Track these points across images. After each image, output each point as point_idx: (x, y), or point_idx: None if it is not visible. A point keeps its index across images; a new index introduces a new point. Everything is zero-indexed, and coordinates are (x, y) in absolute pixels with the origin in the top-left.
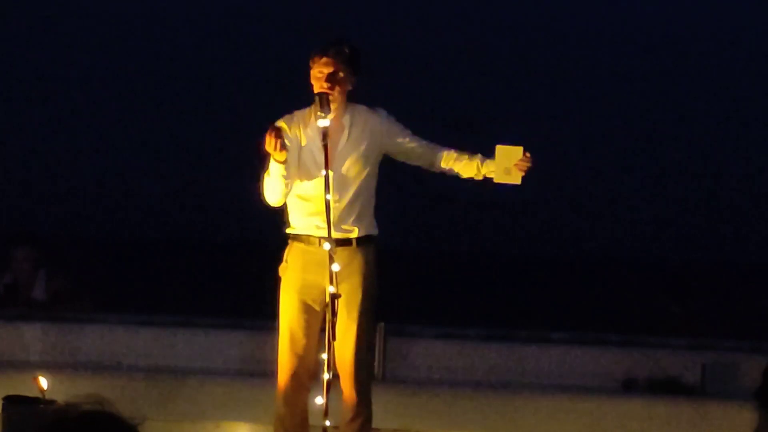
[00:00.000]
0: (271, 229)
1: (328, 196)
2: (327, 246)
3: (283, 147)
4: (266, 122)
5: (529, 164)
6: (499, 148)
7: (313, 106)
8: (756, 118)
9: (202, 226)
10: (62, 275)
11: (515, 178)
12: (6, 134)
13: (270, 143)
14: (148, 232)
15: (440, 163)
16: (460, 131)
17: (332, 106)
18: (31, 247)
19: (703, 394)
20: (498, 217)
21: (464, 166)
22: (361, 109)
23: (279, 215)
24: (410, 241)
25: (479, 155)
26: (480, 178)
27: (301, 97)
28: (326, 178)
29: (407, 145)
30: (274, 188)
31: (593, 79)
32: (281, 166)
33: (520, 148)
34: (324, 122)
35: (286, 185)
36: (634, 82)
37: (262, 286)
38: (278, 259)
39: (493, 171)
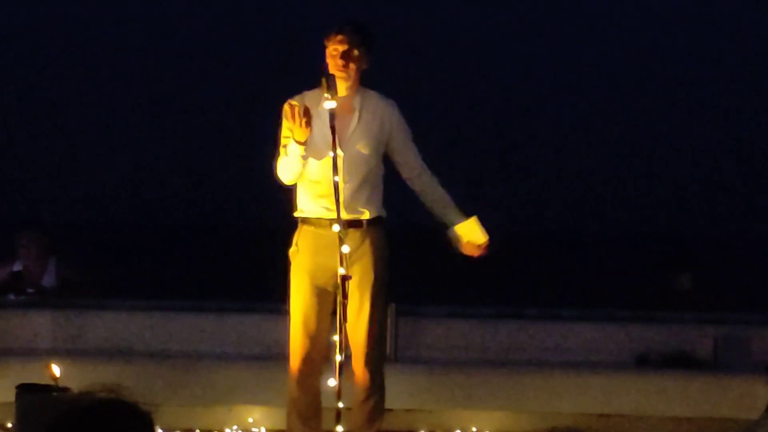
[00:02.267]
0: (278, 212)
1: (337, 178)
2: (336, 228)
3: (308, 124)
4: (279, 104)
5: (477, 254)
6: (471, 222)
7: (336, 89)
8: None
9: (210, 211)
10: (72, 262)
11: (463, 249)
12: (17, 121)
13: (296, 120)
14: (157, 218)
15: (421, 185)
16: None
17: (346, 84)
18: (37, 234)
19: (716, 368)
20: (507, 194)
21: (437, 205)
22: (373, 95)
23: (287, 195)
24: (420, 220)
25: (456, 209)
26: (443, 225)
27: (313, 79)
28: (334, 159)
29: (402, 149)
30: (291, 168)
31: (607, 66)
32: (301, 147)
33: (484, 239)
34: (330, 104)
35: (303, 165)
36: (639, 75)
37: (271, 270)
38: (286, 243)
39: (455, 232)
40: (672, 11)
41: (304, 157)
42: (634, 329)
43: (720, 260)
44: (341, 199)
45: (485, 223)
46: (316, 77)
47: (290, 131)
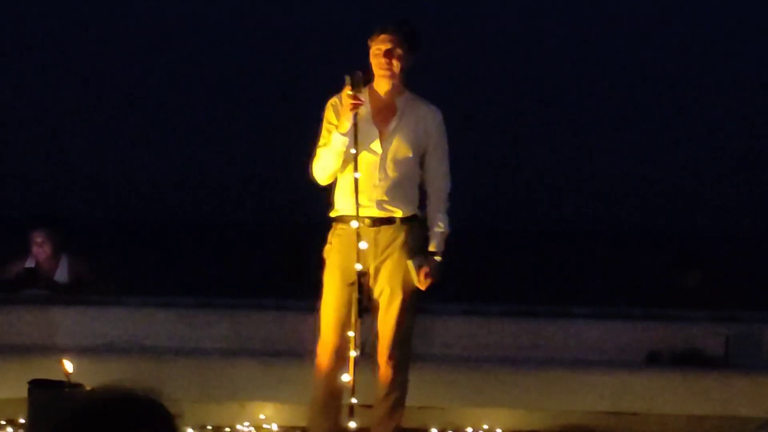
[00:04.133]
0: (289, 212)
1: (357, 175)
2: (354, 224)
3: (356, 109)
4: (322, 104)
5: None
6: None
7: (369, 87)
8: None
9: (223, 209)
10: (85, 258)
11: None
12: (32, 118)
13: (349, 105)
14: (171, 215)
15: (429, 200)
16: None
17: (389, 83)
18: (49, 230)
19: (727, 366)
20: (519, 193)
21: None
22: (418, 99)
23: (325, 195)
24: None
25: (435, 242)
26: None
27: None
28: (355, 156)
29: (430, 158)
30: (328, 165)
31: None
32: (345, 139)
33: (417, 284)
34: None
35: (341, 163)
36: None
37: (284, 268)
38: (297, 242)
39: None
40: (680, 10)
41: (344, 153)
42: (645, 327)
43: (731, 257)
44: (375, 196)
45: (491, 224)
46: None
47: (335, 124)
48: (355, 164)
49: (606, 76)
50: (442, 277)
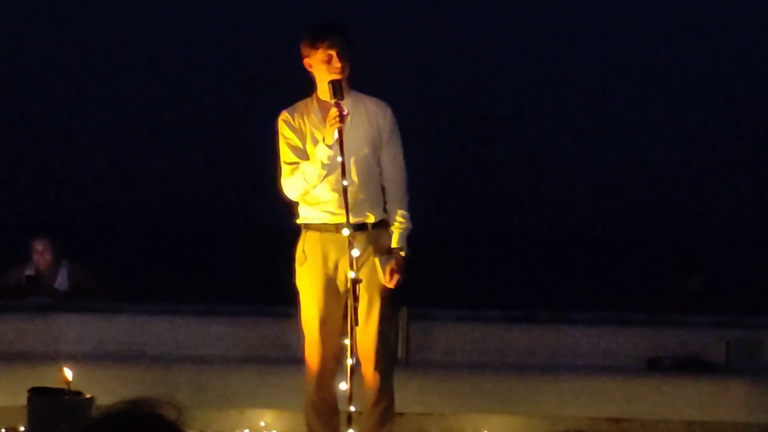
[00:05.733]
0: (285, 217)
1: (345, 182)
2: (346, 232)
3: (343, 122)
4: (276, 113)
5: (388, 279)
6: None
7: (314, 95)
8: None
9: (222, 215)
10: (85, 266)
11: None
12: (30, 127)
13: (335, 117)
14: (169, 222)
15: (387, 203)
16: None
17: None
18: (49, 239)
19: (728, 371)
20: (519, 199)
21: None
22: (365, 98)
23: (288, 206)
24: (431, 224)
25: (396, 239)
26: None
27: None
28: (342, 164)
29: (385, 157)
30: (312, 177)
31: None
32: (330, 152)
33: (384, 281)
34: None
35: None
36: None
37: (282, 273)
38: (293, 246)
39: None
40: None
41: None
42: (646, 333)
43: (732, 263)
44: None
45: (494, 227)
46: (308, 86)
47: (291, 138)
48: (343, 172)
49: (607, 77)
50: (407, 273)
